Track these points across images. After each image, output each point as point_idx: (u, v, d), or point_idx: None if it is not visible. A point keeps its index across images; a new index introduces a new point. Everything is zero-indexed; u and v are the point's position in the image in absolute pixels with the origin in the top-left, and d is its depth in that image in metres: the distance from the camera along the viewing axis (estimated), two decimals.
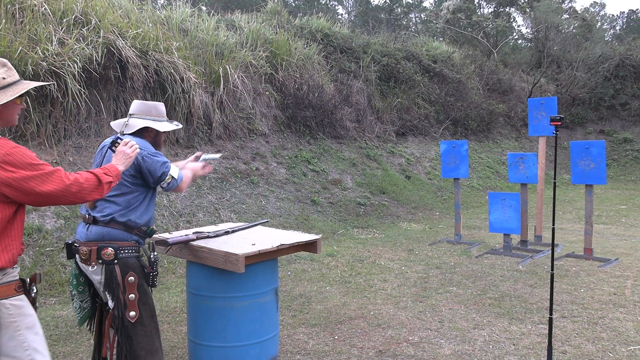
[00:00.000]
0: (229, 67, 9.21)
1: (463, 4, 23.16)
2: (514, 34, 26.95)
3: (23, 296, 2.32)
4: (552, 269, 3.70)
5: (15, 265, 2.33)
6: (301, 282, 5.81)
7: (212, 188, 8.02)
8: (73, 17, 7.52)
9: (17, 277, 2.33)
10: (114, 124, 3.17)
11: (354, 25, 19.91)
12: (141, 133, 3.10)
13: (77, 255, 2.91)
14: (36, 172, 2.19)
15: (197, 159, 3.44)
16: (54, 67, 6.72)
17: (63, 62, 6.80)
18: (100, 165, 3.02)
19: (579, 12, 25.01)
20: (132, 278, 2.83)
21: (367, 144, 11.85)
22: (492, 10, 24.79)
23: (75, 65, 6.92)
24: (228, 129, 9.17)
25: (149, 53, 7.87)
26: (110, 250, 2.79)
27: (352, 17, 36.32)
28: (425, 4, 37.74)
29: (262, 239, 3.51)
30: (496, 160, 14.69)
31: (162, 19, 9.25)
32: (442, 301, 5.11)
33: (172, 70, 8.01)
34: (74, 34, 7.31)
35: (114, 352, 2.91)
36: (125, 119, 3.10)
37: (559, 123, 3.75)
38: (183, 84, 8.16)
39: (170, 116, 8.20)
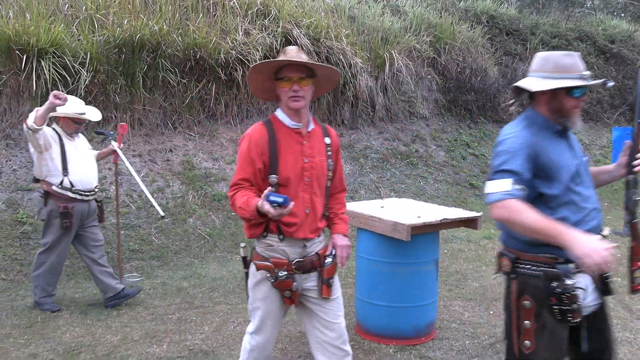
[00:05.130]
0: (394, 52, 9.55)
1: None
2: None
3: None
4: None
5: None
6: (457, 260, 6.04)
7: (374, 167, 8.49)
8: (256, 9, 8.39)
9: None
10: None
11: (522, 4, 19.02)
12: (533, 101, 2.25)
13: None
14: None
15: None
16: (241, 55, 7.62)
17: (248, 51, 7.67)
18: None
19: None
20: (527, 302, 2.14)
21: None
22: None
23: (258, 53, 7.76)
24: (390, 112, 9.55)
25: (321, 40, 8.50)
26: (505, 259, 2.22)
27: None
28: None
29: (426, 212, 3.85)
30: None
31: (332, 7, 9.85)
32: None
33: (341, 57, 8.57)
34: (257, 25, 8.17)
35: None
36: None
37: None
38: (350, 70, 8.68)
39: (337, 100, 8.80)
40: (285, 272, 2.43)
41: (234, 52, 7.58)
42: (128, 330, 4.12)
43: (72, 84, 6.42)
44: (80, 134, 4.61)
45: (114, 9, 7.14)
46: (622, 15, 20.88)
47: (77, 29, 6.85)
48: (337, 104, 8.83)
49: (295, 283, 2.46)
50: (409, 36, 10.24)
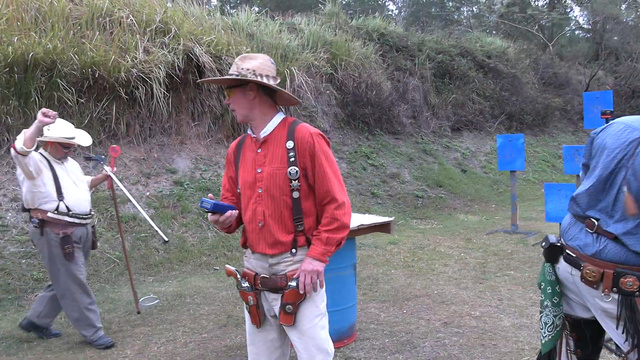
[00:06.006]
0: (294, 69, 9.82)
1: None
2: (572, 24, 26.55)
3: None
4: None
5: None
6: (367, 266, 6.34)
7: None
8: (155, 26, 8.28)
9: None
10: None
11: (407, 22, 20.23)
12: None
13: (563, 263, 2.25)
14: None
15: None
16: (143, 73, 7.49)
17: (150, 69, 7.56)
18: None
19: (639, 1, 24.38)
20: None
21: (423, 139, 12.24)
22: (548, 2, 24.51)
23: (160, 71, 7.67)
24: None
25: (222, 58, 8.56)
26: (631, 279, 2.04)
27: (403, 14, 36.45)
28: None
29: None
30: (552, 154, 14.76)
31: (230, 25, 9.95)
32: (501, 283, 5.53)
33: None
34: (157, 42, 8.08)
35: None
36: None
37: (609, 116, 4.14)
38: None
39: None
40: (247, 284, 2.39)
41: (134, 70, 7.44)
42: None
43: None
44: (70, 158, 4.35)
45: (1, 26, 6.76)
46: (495, 32, 22.81)
47: None
48: None
49: (250, 297, 2.38)
50: (307, 53, 10.57)
